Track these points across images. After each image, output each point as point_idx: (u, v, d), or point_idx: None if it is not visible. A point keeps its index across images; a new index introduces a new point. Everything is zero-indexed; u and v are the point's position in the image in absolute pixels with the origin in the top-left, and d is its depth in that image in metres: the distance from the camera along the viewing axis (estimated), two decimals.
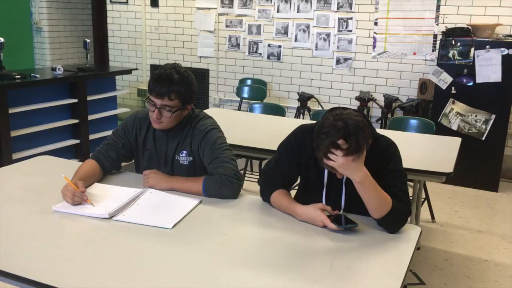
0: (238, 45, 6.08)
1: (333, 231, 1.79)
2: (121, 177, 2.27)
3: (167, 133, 2.21)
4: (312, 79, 5.76)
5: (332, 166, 1.77)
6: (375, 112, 5.43)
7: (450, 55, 4.58)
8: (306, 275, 1.50)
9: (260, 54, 5.97)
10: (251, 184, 4.20)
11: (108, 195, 2.02)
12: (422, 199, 3.77)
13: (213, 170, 2.10)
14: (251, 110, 4.37)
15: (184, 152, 2.21)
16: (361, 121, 1.75)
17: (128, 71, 5.59)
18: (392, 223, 1.81)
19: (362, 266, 1.57)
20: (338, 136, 1.71)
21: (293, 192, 2.10)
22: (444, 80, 4.65)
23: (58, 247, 1.62)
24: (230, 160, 2.11)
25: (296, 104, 5.57)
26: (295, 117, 5.37)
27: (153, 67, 6.67)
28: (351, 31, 5.43)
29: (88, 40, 5.00)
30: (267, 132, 3.37)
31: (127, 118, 2.31)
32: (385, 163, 1.91)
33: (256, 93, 5.60)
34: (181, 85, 2.08)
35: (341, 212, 1.97)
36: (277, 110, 4.28)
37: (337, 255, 1.63)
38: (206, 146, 2.15)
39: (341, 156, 1.70)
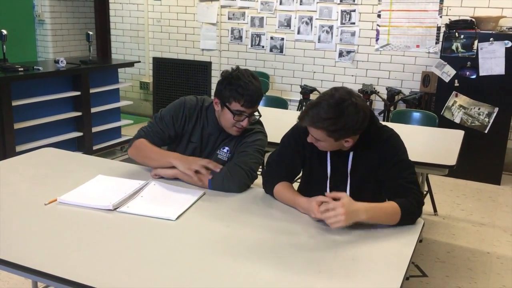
0: (240, 37, 6.07)
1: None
2: (125, 169, 2.28)
3: (221, 131, 2.23)
4: (314, 72, 5.75)
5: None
6: (378, 105, 5.43)
7: (454, 47, 4.57)
8: (309, 266, 1.51)
9: (263, 46, 5.96)
10: None
11: (112, 187, 2.03)
12: (425, 192, 3.77)
13: (232, 160, 2.14)
14: None
15: (227, 148, 2.24)
16: (353, 99, 1.78)
17: (131, 64, 5.59)
18: (407, 221, 1.80)
19: (365, 258, 1.57)
20: (322, 98, 1.78)
21: (295, 185, 2.10)
22: (447, 72, 4.63)
23: (63, 238, 1.63)
24: (253, 158, 2.13)
25: (299, 97, 5.57)
26: (297, 110, 5.37)
27: (156, 60, 6.67)
28: (354, 23, 5.41)
29: (90, 33, 4.99)
30: (269, 125, 3.35)
31: (174, 106, 2.27)
32: (390, 155, 1.90)
33: None
34: (261, 89, 2.14)
35: None
36: (280, 103, 4.28)
37: (340, 246, 1.64)
38: (244, 143, 2.18)
39: (338, 209, 1.67)
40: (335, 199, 1.74)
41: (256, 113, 2.18)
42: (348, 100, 1.77)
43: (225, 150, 2.24)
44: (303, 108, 1.85)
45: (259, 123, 2.30)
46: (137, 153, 2.22)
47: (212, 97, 2.23)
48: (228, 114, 2.11)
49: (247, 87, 2.06)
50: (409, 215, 1.79)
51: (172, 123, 2.25)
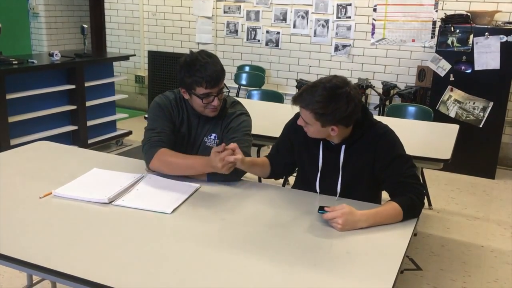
0: (236, 31, 6.05)
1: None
2: (120, 163, 2.28)
3: (200, 117, 2.23)
4: (310, 66, 5.74)
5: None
6: (373, 99, 5.43)
7: (449, 42, 4.57)
8: (305, 259, 1.51)
9: (259, 40, 5.95)
10: None
11: (107, 180, 2.02)
12: None
13: None
14: (249, 97, 4.37)
15: (213, 135, 2.24)
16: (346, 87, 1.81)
17: (126, 57, 5.56)
18: (411, 217, 1.80)
19: (360, 251, 1.58)
20: (320, 81, 1.82)
21: (291, 179, 2.11)
22: (443, 67, 4.64)
23: (58, 231, 1.62)
24: (244, 142, 2.13)
25: (294, 91, 5.56)
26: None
27: (151, 53, 6.64)
28: (350, 17, 5.40)
29: (85, 26, 4.96)
30: (265, 119, 3.36)
31: (160, 102, 2.23)
32: (386, 152, 1.91)
33: (254, 80, 5.58)
34: (220, 65, 2.12)
35: (337, 198, 1.97)
36: (275, 97, 4.28)
37: (335, 240, 1.65)
38: (230, 128, 2.19)
39: (336, 219, 1.68)
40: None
41: (225, 89, 2.16)
42: (343, 88, 1.80)
43: (212, 137, 2.24)
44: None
45: (239, 103, 2.30)
46: (166, 166, 2.07)
47: None
48: (197, 100, 2.12)
49: (205, 70, 2.06)
50: (412, 212, 1.79)
51: (169, 113, 2.21)
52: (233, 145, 1.91)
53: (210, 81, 2.06)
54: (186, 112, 2.26)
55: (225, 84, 2.17)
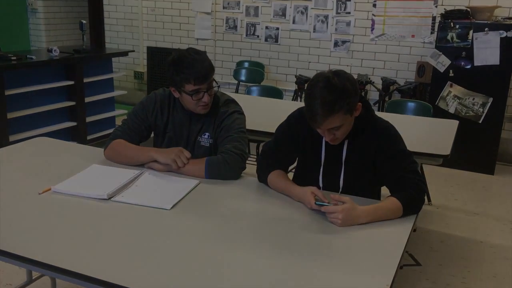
0: (235, 27, 6.03)
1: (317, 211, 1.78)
2: None
3: (191, 116, 2.22)
4: (310, 62, 5.73)
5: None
6: (373, 95, 5.43)
7: (449, 37, 4.56)
8: (305, 254, 1.51)
9: (258, 36, 5.93)
10: (248, 167, 4.21)
11: (107, 176, 2.02)
12: None
13: (221, 148, 2.12)
14: (248, 92, 4.36)
15: (207, 134, 2.23)
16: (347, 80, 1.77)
17: (125, 53, 5.55)
18: (411, 213, 1.80)
19: (359, 247, 1.58)
20: (322, 82, 1.74)
21: (290, 175, 2.10)
22: (442, 63, 4.63)
23: (57, 227, 1.62)
24: (240, 139, 2.12)
25: (294, 87, 5.55)
26: (292, 100, 5.36)
27: (150, 49, 6.63)
28: (349, 13, 5.39)
29: (84, 21, 4.95)
30: (264, 114, 3.36)
31: (146, 99, 2.29)
32: (387, 147, 1.91)
33: (253, 76, 5.57)
34: (208, 61, 2.13)
35: (339, 192, 1.97)
36: (275, 93, 4.26)
37: (334, 235, 1.65)
38: (224, 127, 2.17)
39: (336, 214, 1.68)
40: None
41: (214, 84, 2.15)
42: (328, 75, 1.78)
43: (206, 136, 2.23)
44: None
45: (233, 101, 2.29)
46: (114, 154, 2.20)
47: None
48: (187, 97, 2.12)
49: (192, 66, 2.06)
50: (412, 207, 1.79)
51: (145, 114, 2.26)
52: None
53: (199, 77, 2.06)
54: (174, 110, 2.25)
55: (214, 80, 2.15)
